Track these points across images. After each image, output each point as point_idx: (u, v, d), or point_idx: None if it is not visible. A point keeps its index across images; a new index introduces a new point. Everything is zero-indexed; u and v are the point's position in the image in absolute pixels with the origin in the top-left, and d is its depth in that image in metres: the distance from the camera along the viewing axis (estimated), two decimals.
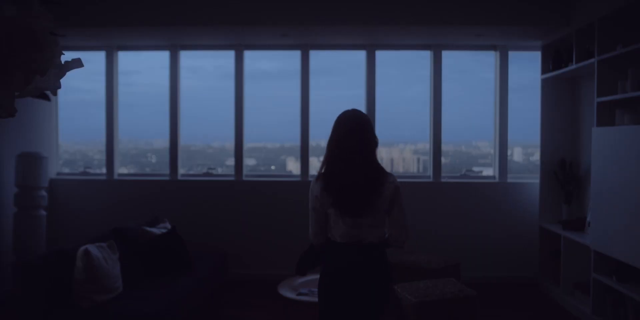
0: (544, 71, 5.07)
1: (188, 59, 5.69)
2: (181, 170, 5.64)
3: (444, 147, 5.51)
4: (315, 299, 3.56)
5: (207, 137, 5.94)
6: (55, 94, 1.08)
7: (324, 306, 2.36)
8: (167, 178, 5.58)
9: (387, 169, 5.75)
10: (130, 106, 5.73)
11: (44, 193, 4.87)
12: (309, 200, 2.41)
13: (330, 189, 2.26)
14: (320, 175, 2.34)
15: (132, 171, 5.84)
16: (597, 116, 4.05)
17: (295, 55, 5.53)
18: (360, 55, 5.56)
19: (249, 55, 5.61)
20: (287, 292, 3.74)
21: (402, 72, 5.77)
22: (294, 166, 5.78)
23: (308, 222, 2.51)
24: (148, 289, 3.64)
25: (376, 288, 2.28)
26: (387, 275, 2.31)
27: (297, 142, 5.56)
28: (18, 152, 4.82)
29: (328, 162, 2.32)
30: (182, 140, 5.66)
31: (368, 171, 2.28)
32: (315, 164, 5.83)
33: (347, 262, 2.28)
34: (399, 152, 5.87)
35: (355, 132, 2.28)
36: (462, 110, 5.66)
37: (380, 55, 5.51)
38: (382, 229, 2.34)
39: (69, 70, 1.05)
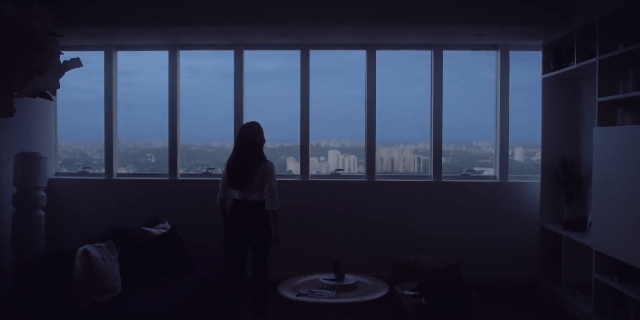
0: (544, 71, 5.06)
1: (187, 58, 5.67)
2: (180, 170, 5.62)
3: (444, 147, 5.50)
4: (315, 300, 3.56)
5: (206, 137, 5.93)
6: (54, 93, 1.06)
7: (229, 236, 3.89)
8: (166, 178, 5.56)
9: (388, 168, 5.74)
10: (129, 106, 5.72)
11: (42, 193, 4.85)
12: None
13: (228, 171, 3.85)
14: (227, 161, 3.92)
15: (131, 171, 5.82)
16: (598, 116, 4.04)
17: (295, 55, 5.51)
18: (361, 55, 5.54)
19: (248, 55, 5.60)
20: (287, 292, 3.73)
21: (403, 71, 5.76)
22: (293, 166, 5.77)
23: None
24: (148, 289, 3.62)
25: (262, 220, 3.85)
26: (265, 216, 3.85)
27: (297, 142, 5.55)
28: (17, 152, 4.80)
29: (232, 154, 3.91)
30: (182, 140, 5.64)
31: (250, 161, 3.80)
32: (316, 164, 5.82)
33: (242, 209, 3.85)
34: (399, 152, 5.85)
35: (247, 135, 3.86)
36: (463, 110, 5.65)
37: (381, 55, 5.50)
38: (260, 193, 3.81)
39: (67, 70, 1.04)
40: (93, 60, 5.59)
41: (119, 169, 5.73)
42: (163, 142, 5.71)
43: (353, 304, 3.69)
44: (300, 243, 5.27)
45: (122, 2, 4.72)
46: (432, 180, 5.45)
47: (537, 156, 5.51)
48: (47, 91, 1.05)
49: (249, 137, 3.86)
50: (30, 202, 4.72)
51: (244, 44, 5.49)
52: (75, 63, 1.05)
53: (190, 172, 5.69)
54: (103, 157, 5.67)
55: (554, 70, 4.87)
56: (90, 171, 5.76)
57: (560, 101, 5.07)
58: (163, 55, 5.58)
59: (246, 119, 5.55)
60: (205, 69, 5.92)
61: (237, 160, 3.83)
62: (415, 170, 5.81)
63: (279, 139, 5.81)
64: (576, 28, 4.39)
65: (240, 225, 3.84)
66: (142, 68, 5.87)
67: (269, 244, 3.93)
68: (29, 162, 4.70)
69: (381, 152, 5.77)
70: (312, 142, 5.59)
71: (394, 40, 5.37)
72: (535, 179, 5.32)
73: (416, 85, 5.70)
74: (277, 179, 5.48)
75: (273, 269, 5.37)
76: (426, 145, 5.64)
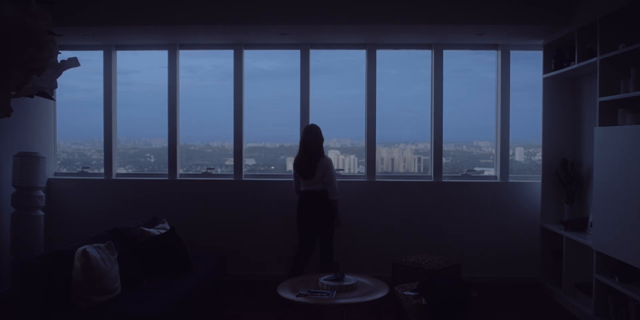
0: (545, 70, 5.04)
1: (187, 58, 5.65)
2: (180, 170, 5.61)
3: (445, 147, 5.49)
4: (315, 300, 3.56)
5: (206, 136, 5.91)
6: (51, 93, 1.05)
7: (299, 219, 4.76)
8: (166, 178, 5.55)
9: (388, 168, 5.76)
10: (128, 106, 5.70)
11: (41, 193, 4.84)
12: None
13: (295, 165, 4.76)
14: (294, 159, 4.82)
15: (130, 171, 5.81)
16: (599, 116, 4.02)
17: (295, 55, 5.50)
18: (361, 55, 5.53)
19: (248, 55, 5.58)
20: (287, 293, 3.71)
21: (403, 71, 5.74)
22: None
23: None
24: (147, 289, 3.61)
25: (323, 207, 4.67)
26: (327, 202, 4.66)
27: (297, 142, 5.51)
28: (15, 152, 4.78)
29: (298, 153, 4.79)
30: (181, 140, 5.63)
31: (312, 156, 4.65)
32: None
33: (307, 198, 4.72)
34: (400, 152, 5.84)
35: (309, 137, 4.70)
36: (464, 110, 5.63)
37: (381, 54, 5.49)
38: (320, 184, 4.64)
39: (65, 69, 1.02)
40: (92, 59, 5.57)
41: (118, 169, 5.71)
42: (162, 142, 5.69)
43: (353, 305, 3.67)
44: None
45: (121, 2, 4.70)
46: (432, 180, 5.44)
47: (538, 156, 5.49)
48: (45, 90, 1.04)
49: (308, 138, 4.69)
50: (29, 202, 4.71)
51: (243, 43, 5.48)
52: (73, 63, 1.04)
53: (190, 172, 5.67)
54: (102, 157, 5.65)
55: (554, 69, 4.86)
56: (90, 171, 5.74)
57: (561, 101, 5.05)
58: (162, 55, 5.56)
59: (246, 119, 5.56)
60: (205, 68, 5.91)
61: (301, 158, 4.72)
62: (416, 170, 5.79)
63: (279, 139, 5.80)
64: (577, 27, 4.38)
65: (305, 211, 4.70)
66: (142, 68, 5.86)
67: (331, 225, 4.71)
68: (28, 162, 4.69)
69: (381, 152, 5.76)
70: None
71: (394, 39, 5.35)
72: (536, 179, 5.30)
73: (416, 85, 5.68)
74: (276, 179, 5.56)
75: (272, 269, 5.39)
76: (426, 145, 5.63)
